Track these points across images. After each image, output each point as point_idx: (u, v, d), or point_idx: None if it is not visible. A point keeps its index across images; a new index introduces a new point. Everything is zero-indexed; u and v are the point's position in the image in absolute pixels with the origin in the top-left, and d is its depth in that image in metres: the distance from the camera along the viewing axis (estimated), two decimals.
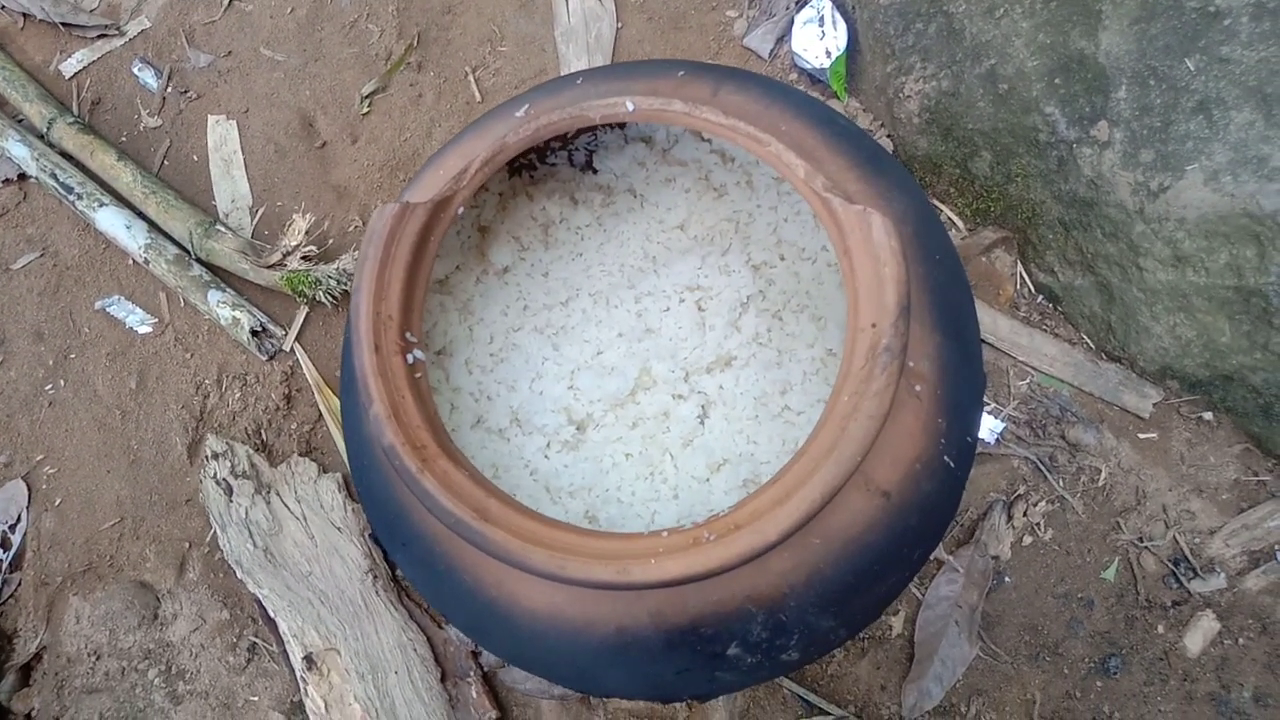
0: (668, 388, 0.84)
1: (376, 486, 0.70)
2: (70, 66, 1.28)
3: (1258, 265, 0.79)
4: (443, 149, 0.74)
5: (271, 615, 0.91)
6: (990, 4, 0.86)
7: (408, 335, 0.66)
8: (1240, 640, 0.87)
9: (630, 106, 0.66)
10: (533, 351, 0.86)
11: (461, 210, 0.70)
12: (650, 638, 0.63)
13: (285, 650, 0.92)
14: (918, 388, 0.64)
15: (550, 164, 0.89)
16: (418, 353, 0.66)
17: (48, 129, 1.20)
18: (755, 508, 0.58)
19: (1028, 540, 0.91)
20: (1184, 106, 0.79)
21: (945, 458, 0.65)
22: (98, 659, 0.96)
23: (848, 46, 1.03)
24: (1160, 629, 0.88)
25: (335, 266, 1.05)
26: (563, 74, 1.15)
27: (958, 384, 0.66)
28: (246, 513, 0.94)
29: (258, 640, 0.95)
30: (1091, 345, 0.94)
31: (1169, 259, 0.83)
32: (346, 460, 1.00)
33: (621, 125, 0.86)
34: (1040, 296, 0.96)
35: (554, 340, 0.87)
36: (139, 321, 1.12)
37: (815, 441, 0.58)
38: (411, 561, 0.70)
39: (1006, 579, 0.91)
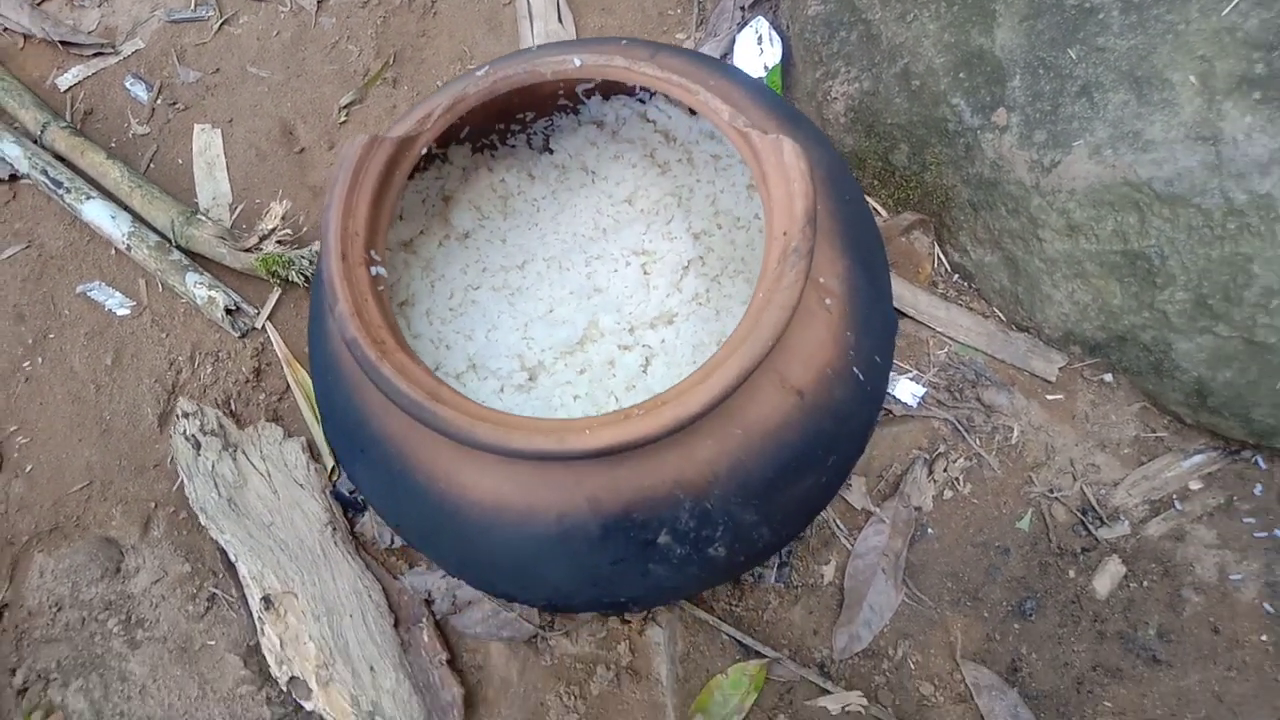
0: (614, 339, 0.91)
1: (339, 398, 0.76)
2: (66, 81, 1.37)
3: (1139, 230, 0.89)
4: (413, 106, 0.83)
5: (232, 560, 0.95)
6: (902, 9, 0.98)
7: (372, 253, 0.73)
8: (1144, 582, 0.93)
9: (577, 62, 0.76)
10: (490, 307, 0.93)
11: (424, 156, 0.78)
12: (588, 523, 0.69)
13: (244, 597, 0.95)
14: (828, 301, 0.72)
15: (510, 145, 0.98)
16: (380, 269, 0.73)
17: (41, 132, 1.28)
18: (679, 388, 0.64)
19: (948, 494, 0.98)
20: (1069, 91, 0.90)
21: (855, 369, 0.73)
22: (59, 610, 0.99)
23: (782, 59, 1.14)
24: (1071, 574, 0.94)
25: (309, 250, 1.12)
26: None
27: (866, 306, 0.74)
28: (213, 466, 0.99)
29: (217, 591, 0.99)
30: (1002, 317, 1.03)
31: (1064, 229, 0.93)
32: (315, 418, 1.05)
33: (575, 110, 0.96)
34: (956, 275, 1.06)
35: (510, 298, 0.94)
36: (118, 304, 1.18)
37: (734, 334, 0.65)
38: (370, 468, 0.75)
39: (929, 530, 0.97)
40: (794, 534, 0.80)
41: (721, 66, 0.82)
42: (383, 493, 0.76)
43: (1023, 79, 0.92)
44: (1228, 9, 0.83)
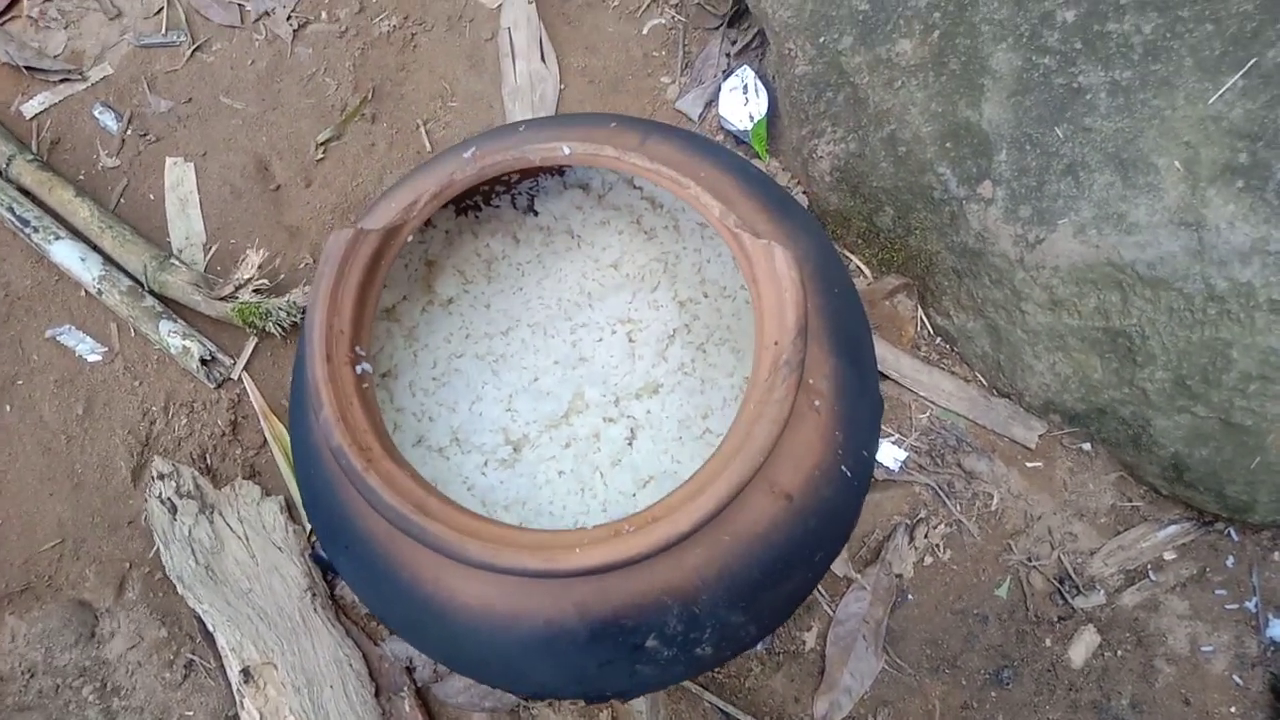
0: (599, 411, 0.91)
1: (322, 492, 0.75)
2: (31, 108, 1.33)
3: (1121, 309, 0.90)
4: (396, 184, 0.81)
5: (210, 630, 0.94)
6: (890, 76, 0.97)
7: (357, 349, 0.72)
8: (1119, 652, 0.95)
9: (566, 150, 0.74)
10: (473, 376, 0.92)
11: (410, 239, 0.77)
12: (575, 629, 0.69)
13: (223, 666, 0.94)
14: (816, 403, 0.71)
15: (495, 206, 0.97)
16: (366, 366, 0.72)
17: (6, 165, 1.24)
18: (670, 503, 0.64)
19: (929, 560, 0.99)
20: (1055, 169, 0.90)
21: (843, 467, 0.73)
22: (32, 677, 0.97)
23: (768, 111, 1.13)
24: (1048, 642, 0.96)
25: (286, 299, 1.10)
26: None
27: (854, 403, 0.74)
28: (190, 531, 0.98)
29: (195, 658, 0.98)
30: (984, 382, 1.04)
31: (1047, 303, 0.93)
32: (293, 473, 1.04)
33: (561, 172, 0.95)
34: (938, 338, 1.06)
35: (494, 366, 0.93)
36: (89, 350, 1.15)
37: (725, 445, 0.65)
38: (354, 564, 0.74)
39: (910, 597, 0.98)
40: (779, 624, 0.80)
41: (712, 150, 0.81)
42: (367, 587, 0.75)
43: (1009, 154, 0.92)
44: (1214, 98, 0.83)
